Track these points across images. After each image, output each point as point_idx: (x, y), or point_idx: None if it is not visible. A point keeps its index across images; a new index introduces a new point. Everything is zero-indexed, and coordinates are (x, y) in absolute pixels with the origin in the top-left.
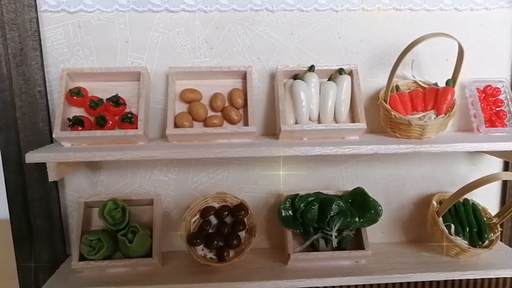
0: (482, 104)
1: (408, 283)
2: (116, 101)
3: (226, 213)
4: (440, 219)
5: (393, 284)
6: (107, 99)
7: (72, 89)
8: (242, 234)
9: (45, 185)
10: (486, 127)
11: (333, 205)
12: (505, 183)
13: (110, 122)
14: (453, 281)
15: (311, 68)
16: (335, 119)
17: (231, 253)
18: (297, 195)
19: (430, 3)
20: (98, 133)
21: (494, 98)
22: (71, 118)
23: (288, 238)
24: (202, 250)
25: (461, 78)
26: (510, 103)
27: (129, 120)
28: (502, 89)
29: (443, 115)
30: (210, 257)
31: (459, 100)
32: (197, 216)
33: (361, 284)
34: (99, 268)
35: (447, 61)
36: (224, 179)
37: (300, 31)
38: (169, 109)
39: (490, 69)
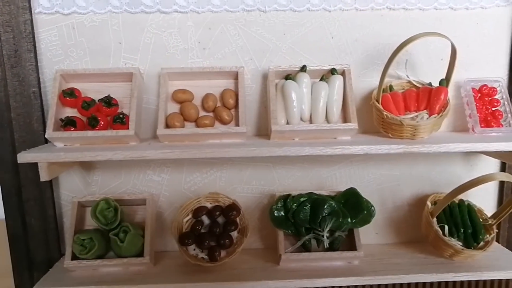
0: (477, 104)
1: (401, 284)
2: (108, 101)
3: (218, 213)
4: (434, 220)
5: (386, 285)
6: (99, 100)
7: (65, 90)
8: (234, 234)
9: (39, 185)
10: (481, 127)
11: (325, 206)
12: (502, 184)
13: (102, 123)
14: (446, 282)
15: (303, 68)
16: (327, 119)
17: (223, 253)
18: (289, 195)
19: (424, 2)
20: (90, 133)
21: (490, 98)
22: (64, 118)
23: (280, 238)
24: (194, 250)
25: (456, 77)
26: (506, 103)
27: (120, 121)
28: (498, 88)
29: (435, 115)
30: (202, 257)
31: (454, 100)
32: (190, 216)
33: (352, 285)
34: (91, 268)
35: (442, 61)
36: (217, 179)
37: (293, 31)
38: (160, 109)
39: (486, 69)
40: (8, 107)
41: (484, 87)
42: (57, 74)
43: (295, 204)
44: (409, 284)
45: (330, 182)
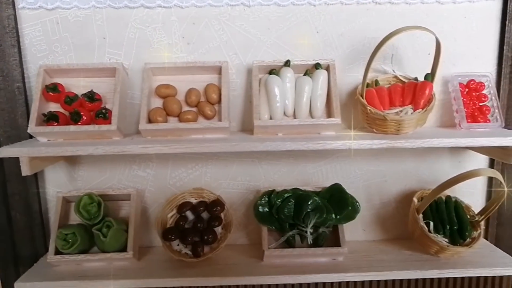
0: (464, 99)
1: (385, 281)
2: (91, 96)
3: (203, 208)
4: (420, 216)
5: (370, 282)
6: (82, 95)
7: (48, 85)
8: (218, 229)
9: (24, 180)
10: (468, 122)
11: (309, 202)
12: (490, 180)
13: (85, 118)
14: (432, 279)
15: (287, 63)
16: (311, 115)
17: (207, 248)
18: (273, 191)
19: None
20: (72, 128)
21: (477, 93)
22: (46, 113)
23: (264, 234)
24: (178, 245)
25: (444, 72)
26: (493, 98)
27: (103, 116)
28: (486, 83)
29: (420, 110)
30: (186, 253)
31: (442, 95)
32: (174, 212)
33: (336, 281)
34: (75, 262)
35: (429, 56)
36: (202, 174)
37: (278, 26)
38: (142, 104)
39: (474, 63)
40: None
41: (472, 82)
42: (40, 69)
43: (279, 200)
44: (393, 281)
45: (316, 177)
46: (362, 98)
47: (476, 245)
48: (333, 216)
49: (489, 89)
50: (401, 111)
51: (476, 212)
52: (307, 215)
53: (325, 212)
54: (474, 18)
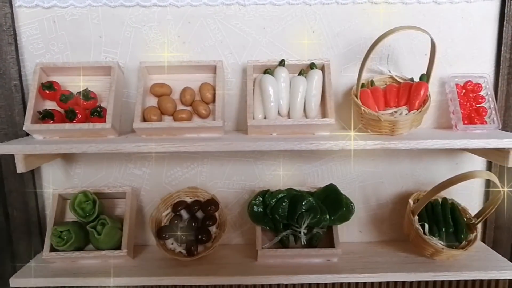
0: (461, 100)
1: (380, 283)
2: (86, 95)
3: (197, 207)
4: (416, 218)
5: (364, 283)
6: (77, 93)
7: (44, 83)
8: (213, 229)
9: (22, 177)
10: (465, 124)
11: (303, 202)
12: (488, 182)
13: (80, 116)
14: (426, 282)
15: (281, 63)
16: (306, 115)
17: (201, 247)
18: (267, 191)
19: None
20: (67, 126)
21: (474, 94)
22: (42, 111)
23: (257, 234)
24: (172, 244)
25: (441, 73)
26: (490, 99)
27: (98, 114)
28: (483, 85)
29: (415, 110)
30: (180, 251)
31: (439, 96)
32: (169, 210)
33: (329, 282)
34: (70, 259)
35: (426, 56)
36: (198, 174)
37: (273, 26)
38: (137, 103)
39: (472, 64)
40: None
41: (469, 83)
42: (37, 67)
43: (273, 200)
44: (387, 283)
45: (312, 178)
46: (357, 98)
47: (472, 248)
48: (327, 217)
49: (487, 91)
50: (395, 111)
51: (473, 214)
52: (301, 216)
53: (319, 212)
54: (472, 19)
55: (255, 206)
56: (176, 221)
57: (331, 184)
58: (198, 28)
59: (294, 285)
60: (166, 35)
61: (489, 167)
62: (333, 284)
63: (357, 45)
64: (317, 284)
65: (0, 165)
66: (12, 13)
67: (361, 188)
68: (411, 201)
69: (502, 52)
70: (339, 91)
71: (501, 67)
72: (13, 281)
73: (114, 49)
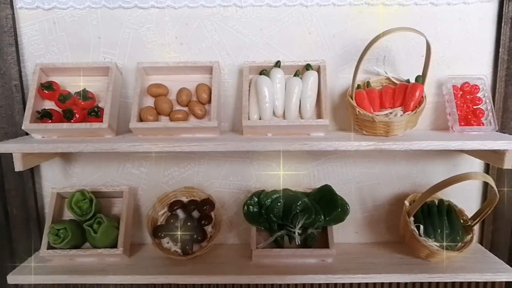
0: (458, 102)
1: (374, 284)
2: (84, 95)
3: (193, 207)
4: (411, 219)
5: (358, 284)
6: (75, 93)
7: (43, 83)
8: (209, 228)
9: (21, 176)
10: (461, 125)
11: (298, 202)
12: (485, 184)
13: (78, 115)
14: (421, 283)
15: (277, 64)
16: (301, 115)
17: (197, 247)
18: (263, 191)
19: None
20: (65, 125)
21: (471, 96)
22: (40, 111)
23: (252, 233)
24: (168, 243)
25: (439, 74)
26: (487, 101)
27: (95, 114)
28: (480, 86)
29: (410, 112)
30: (175, 250)
31: (436, 98)
32: (166, 210)
33: (323, 283)
34: (67, 257)
35: (423, 57)
36: (194, 174)
37: (270, 27)
38: (134, 103)
39: (470, 66)
40: None
41: (466, 85)
42: (36, 67)
43: (268, 200)
44: (382, 284)
45: (308, 179)
46: (352, 99)
47: (468, 250)
48: (322, 217)
49: (484, 92)
50: (390, 113)
51: (470, 216)
52: (295, 216)
53: (313, 213)
54: (469, 20)
55: (250, 206)
56: (172, 221)
57: (326, 185)
58: (196, 29)
59: (288, 285)
60: (164, 36)
61: (487, 169)
62: (327, 284)
63: (354, 46)
64: (311, 285)
65: (0, 164)
66: (13, 15)
67: (357, 189)
68: (407, 203)
69: (500, 54)
70: (335, 93)
71: (499, 68)
72: (10, 278)
73: (112, 50)
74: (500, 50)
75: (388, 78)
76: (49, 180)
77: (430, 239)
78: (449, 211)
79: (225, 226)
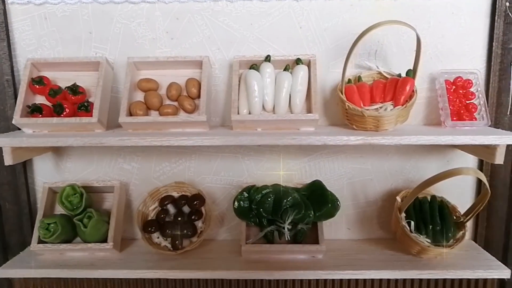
0: (450, 97)
1: (364, 280)
2: (74, 89)
3: (184, 202)
4: (403, 215)
5: (348, 280)
6: (65, 88)
7: (34, 78)
8: (199, 223)
9: (14, 170)
10: (454, 120)
11: (288, 198)
12: (479, 181)
13: (68, 110)
14: (412, 280)
15: (267, 58)
16: (291, 110)
17: (187, 242)
18: (253, 186)
19: None
20: (55, 120)
21: (464, 91)
22: (31, 105)
23: (242, 229)
24: (158, 238)
25: (432, 69)
26: (480, 95)
27: (85, 108)
28: (473, 81)
29: (399, 106)
30: (165, 245)
31: (429, 93)
32: (156, 205)
33: (313, 279)
34: (58, 251)
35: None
36: (186, 169)
37: (260, 21)
38: (123, 97)
39: (463, 60)
40: None
41: (459, 79)
42: (28, 62)
43: (258, 195)
44: (372, 280)
45: (300, 174)
46: (342, 94)
47: (459, 246)
48: (312, 213)
49: (477, 87)
50: (380, 107)
51: (463, 213)
52: (285, 211)
53: (303, 208)
54: (463, 14)
55: (240, 202)
56: (162, 215)
57: (316, 180)
58: (186, 24)
59: (278, 281)
60: (154, 31)
61: (481, 164)
62: (317, 280)
63: (345, 40)
64: (301, 281)
65: None
66: (4, 10)
67: (349, 185)
68: (398, 199)
69: (493, 48)
70: (327, 87)
71: (492, 63)
72: (1, 272)
73: (104, 45)
74: (494, 44)
75: (380, 73)
76: (42, 175)
77: (421, 236)
78: (441, 208)
79: (216, 222)
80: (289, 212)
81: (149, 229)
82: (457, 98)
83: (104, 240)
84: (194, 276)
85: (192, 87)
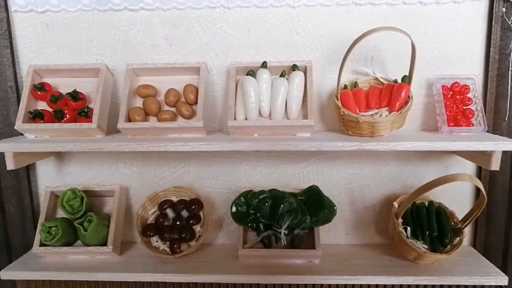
0: (447, 102)
1: (361, 285)
2: (75, 96)
3: (182, 206)
4: (399, 221)
5: (345, 286)
6: (66, 94)
7: (36, 84)
8: (197, 228)
9: (17, 175)
10: (450, 126)
11: (285, 203)
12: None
13: (68, 116)
14: (409, 286)
15: (263, 64)
16: (287, 116)
17: (185, 246)
18: (250, 191)
19: None
20: (56, 125)
21: (461, 96)
22: (32, 111)
23: (239, 233)
24: (157, 241)
25: (429, 75)
26: (478, 101)
27: (85, 114)
28: (471, 86)
29: (395, 112)
30: (164, 249)
31: (427, 98)
32: (156, 209)
33: (309, 283)
34: (59, 254)
35: None
36: (185, 174)
37: (257, 28)
38: (122, 103)
39: (461, 66)
40: None
41: (456, 85)
42: (30, 69)
43: (255, 200)
44: (369, 286)
45: (297, 179)
46: (337, 99)
47: (456, 252)
48: (308, 218)
49: (474, 92)
50: (376, 113)
51: (461, 219)
52: (281, 216)
53: (299, 213)
54: (460, 19)
55: (238, 206)
56: (161, 219)
57: (313, 186)
58: (184, 31)
59: (274, 285)
60: (153, 37)
61: (479, 170)
62: (313, 285)
63: (342, 46)
64: (297, 285)
65: None
66: (8, 18)
67: (347, 190)
68: (396, 204)
69: (491, 53)
70: (323, 93)
71: (490, 68)
72: (4, 274)
73: (104, 51)
74: (491, 49)
75: (376, 78)
76: (44, 179)
77: (418, 241)
78: (439, 213)
79: (215, 226)
80: (285, 217)
81: (148, 233)
82: (454, 104)
83: (104, 243)
84: (191, 279)
85: (190, 93)
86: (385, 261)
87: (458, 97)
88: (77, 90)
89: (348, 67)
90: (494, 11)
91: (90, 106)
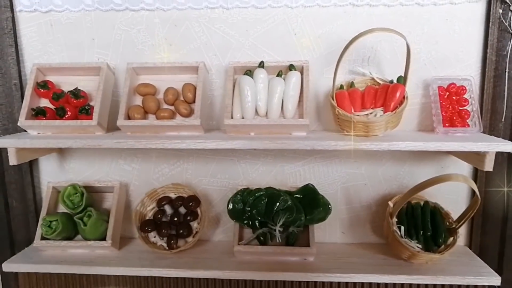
0: (443, 103)
1: (354, 283)
2: (76, 94)
3: (180, 203)
4: (394, 220)
5: (338, 283)
6: (68, 92)
7: (39, 82)
8: (194, 224)
9: (21, 170)
10: (446, 126)
11: (280, 201)
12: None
13: (69, 113)
14: (402, 285)
15: (260, 64)
16: (284, 115)
17: (182, 242)
18: (247, 188)
19: None
20: (57, 122)
21: (458, 97)
22: (35, 108)
23: (235, 230)
24: (154, 237)
25: (426, 75)
26: (474, 102)
27: (86, 112)
28: (467, 87)
29: (389, 112)
30: (161, 245)
31: (424, 99)
32: (154, 205)
33: (303, 281)
34: (60, 248)
35: None
36: (183, 171)
37: (255, 28)
38: (122, 101)
39: (458, 67)
40: None
41: (452, 86)
42: (33, 67)
43: (251, 198)
44: (362, 284)
45: (294, 178)
46: (333, 99)
47: (451, 252)
48: (303, 216)
49: (470, 93)
50: (371, 113)
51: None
52: (276, 214)
53: (295, 212)
54: (457, 21)
55: (234, 204)
56: (159, 216)
57: (309, 184)
58: (184, 31)
59: (269, 282)
60: (154, 37)
61: (476, 171)
62: (307, 283)
63: (339, 47)
64: (292, 282)
65: (1, 158)
66: (13, 17)
67: (343, 189)
68: (390, 204)
69: (487, 55)
70: (320, 93)
71: (487, 69)
72: (6, 266)
73: (106, 50)
74: (488, 50)
75: (373, 79)
76: (47, 175)
77: (412, 241)
78: (434, 213)
79: (212, 223)
80: (280, 215)
81: (146, 228)
82: (450, 105)
83: (103, 238)
84: (187, 275)
85: (188, 92)
86: (379, 260)
87: (454, 98)
88: (79, 88)
89: (345, 67)
90: (491, 13)
91: (91, 103)
